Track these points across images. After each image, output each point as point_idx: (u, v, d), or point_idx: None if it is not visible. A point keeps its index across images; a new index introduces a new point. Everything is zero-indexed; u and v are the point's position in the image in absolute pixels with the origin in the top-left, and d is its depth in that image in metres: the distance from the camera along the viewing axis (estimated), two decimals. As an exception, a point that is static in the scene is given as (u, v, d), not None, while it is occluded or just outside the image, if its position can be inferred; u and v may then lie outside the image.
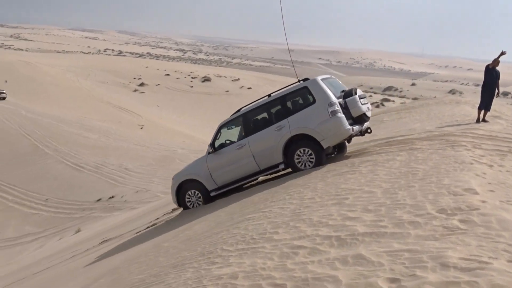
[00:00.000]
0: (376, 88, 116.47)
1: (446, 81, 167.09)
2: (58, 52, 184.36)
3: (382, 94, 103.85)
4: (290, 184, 8.81)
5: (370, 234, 4.66)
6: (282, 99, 10.73)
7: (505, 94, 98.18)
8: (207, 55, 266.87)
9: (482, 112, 12.97)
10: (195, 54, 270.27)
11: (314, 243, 4.77)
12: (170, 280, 5.16)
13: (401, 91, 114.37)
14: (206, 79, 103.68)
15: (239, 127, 11.21)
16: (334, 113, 10.01)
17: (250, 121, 10.99)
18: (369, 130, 11.12)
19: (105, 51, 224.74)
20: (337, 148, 11.20)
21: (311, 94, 10.32)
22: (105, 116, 65.40)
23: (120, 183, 33.02)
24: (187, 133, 61.65)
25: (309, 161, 10.15)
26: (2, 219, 31.58)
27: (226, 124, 11.30)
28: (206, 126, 60.12)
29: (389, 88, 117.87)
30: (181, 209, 12.00)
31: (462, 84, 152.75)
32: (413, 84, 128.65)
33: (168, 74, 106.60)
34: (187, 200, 11.60)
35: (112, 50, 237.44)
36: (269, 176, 11.25)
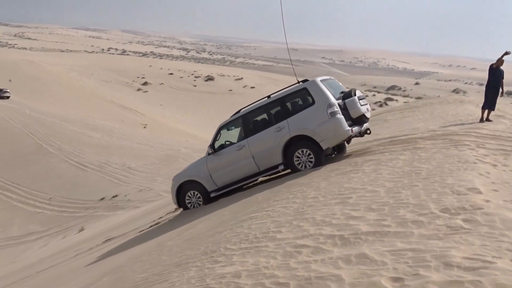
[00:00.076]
0: (380, 87, 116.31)
1: (450, 80, 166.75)
2: (62, 51, 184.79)
3: (385, 93, 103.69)
4: (293, 183, 8.82)
5: (374, 233, 4.66)
6: (281, 100, 10.75)
7: (509, 93, 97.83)
8: (211, 54, 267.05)
9: (486, 111, 12.94)
10: (199, 53, 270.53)
11: (317, 242, 4.77)
12: (174, 279, 5.17)
13: (404, 90, 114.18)
14: (210, 78, 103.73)
15: (239, 128, 11.24)
16: (333, 114, 10.02)
17: (249, 122, 11.02)
18: (368, 131, 11.13)
19: (108, 50, 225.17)
20: (337, 148, 11.22)
21: (310, 95, 10.34)
22: (108, 115, 65.51)
23: (124, 182, 33.10)
24: (190, 132, 61.72)
25: (309, 161, 10.18)
26: (6, 218, 31.69)
27: (226, 125, 11.34)
28: (210, 125, 60.06)
29: (392, 87, 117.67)
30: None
31: (466, 83, 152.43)
32: (416, 84, 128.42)
33: (171, 73, 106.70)
34: (187, 200, 11.67)
35: (116, 49, 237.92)
36: (268, 177, 11.26)
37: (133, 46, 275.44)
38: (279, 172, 10.77)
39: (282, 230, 5.54)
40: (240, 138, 11.03)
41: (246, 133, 10.91)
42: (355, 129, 10.31)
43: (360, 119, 10.54)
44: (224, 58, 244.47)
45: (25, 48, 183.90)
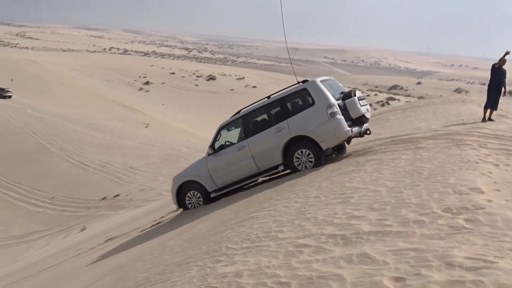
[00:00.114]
0: (382, 87, 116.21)
1: (452, 80, 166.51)
2: (64, 50, 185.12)
3: (387, 93, 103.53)
4: (295, 183, 8.81)
5: (375, 233, 4.65)
6: (281, 101, 10.77)
7: None
8: (212, 54, 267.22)
9: (488, 111, 12.93)
10: (200, 52, 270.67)
11: (319, 242, 4.77)
12: (175, 278, 5.17)
13: (406, 90, 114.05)
14: (211, 78, 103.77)
15: (239, 129, 11.26)
16: (333, 114, 10.04)
17: (249, 123, 11.04)
18: (368, 132, 11.14)
19: (110, 50, 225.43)
20: (337, 149, 11.23)
21: (310, 96, 10.35)
22: (110, 115, 65.59)
23: (125, 182, 33.13)
24: (192, 131, 61.78)
25: (308, 162, 10.20)
26: (8, 217, 31.75)
27: (226, 126, 11.37)
28: (211, 124, 60.07)
29: (394, 87, 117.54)
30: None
31: (468, 83, 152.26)
32: (418, 83, 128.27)
33: (173, 73, 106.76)
34: (187, 201, 11.71)
35: (117, 48, 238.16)
36: (269, 177, 11.26)
37: (134, 45, 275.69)
38: (279, 172, 10.79)
39: (284, 230, 5.54)
40: (240, 139, 11.05)
41: (246, 134, 10.93)
42: (355, 129, 10.33)
43: (360, 120, 10.56)
44: (226, 57, 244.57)
45: (27, 48, 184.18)
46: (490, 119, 12.79)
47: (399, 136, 11.41)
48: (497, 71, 13.10)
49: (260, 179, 11.33)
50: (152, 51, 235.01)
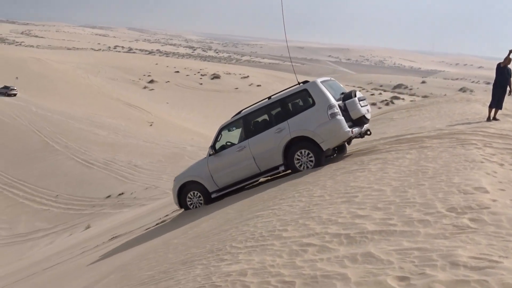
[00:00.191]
0: (386, 86, 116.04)
1: (457, 79, 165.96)
2: (69, 49, 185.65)
3: (392, 92, 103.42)
4: (299, 182, 8.82)
5: (380, 232, 4.65)
6: (282, 102, 10.79)
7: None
8: (217, 52, 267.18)
9: (493, 110, 12.89)
10: (205, 51, 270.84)
11: (323, 241, 4.77)
12: (180, 277, 5.18)
13: (411, 89, 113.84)
14: (216, 77, 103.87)
15: (240, 129, 11.28)
16: (333, 115, 10.05)
17: (250, 123, 11.07)
18: (368, 132, 11.16)
19: (115, 48, 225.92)
20: (337, 149, 11.23)
21: (310, 96, 10.37)
22: (114, 113, 65.73)
23: (130, 180, 33.22)
24: (196, 130, 61.86)
25: (309, 162, 10.21)
26: (13, 215, 31.89)
27: (227, 126, 11.41)
28: (215, 123, 60.08)
29: (399, 86, 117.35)
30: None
31: (472, 82, 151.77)
32: (423, 82, 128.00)
33: (177, 71, 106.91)
34: (188, 201, 11.75)
35: (122, 47, 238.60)
36: (269, 178, 11.28)
37: (139, 44, 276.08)
38: (279, 173, 10.81)
39: (288, 229, 5.54)
40: (241, 139, 11.07)
41: (247, 134, 10.96)
42: (355, 130, 10.36)
43: (360, 120, 10.57)
44: (230, 56, 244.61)
45: (32, 46, 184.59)
46: (495, 119, 12.74)
47: (404, 135, 11.39)
48: (503, 70, 13.06)
49: (261, 180, 11.35)
50: (157, 50, 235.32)
